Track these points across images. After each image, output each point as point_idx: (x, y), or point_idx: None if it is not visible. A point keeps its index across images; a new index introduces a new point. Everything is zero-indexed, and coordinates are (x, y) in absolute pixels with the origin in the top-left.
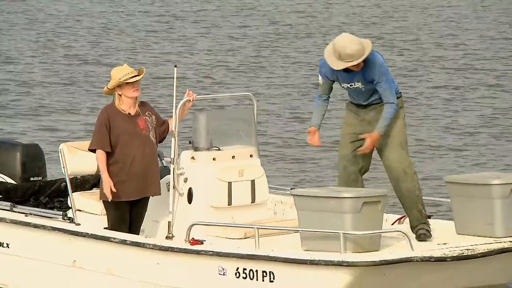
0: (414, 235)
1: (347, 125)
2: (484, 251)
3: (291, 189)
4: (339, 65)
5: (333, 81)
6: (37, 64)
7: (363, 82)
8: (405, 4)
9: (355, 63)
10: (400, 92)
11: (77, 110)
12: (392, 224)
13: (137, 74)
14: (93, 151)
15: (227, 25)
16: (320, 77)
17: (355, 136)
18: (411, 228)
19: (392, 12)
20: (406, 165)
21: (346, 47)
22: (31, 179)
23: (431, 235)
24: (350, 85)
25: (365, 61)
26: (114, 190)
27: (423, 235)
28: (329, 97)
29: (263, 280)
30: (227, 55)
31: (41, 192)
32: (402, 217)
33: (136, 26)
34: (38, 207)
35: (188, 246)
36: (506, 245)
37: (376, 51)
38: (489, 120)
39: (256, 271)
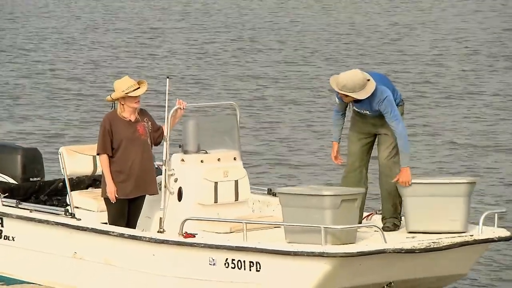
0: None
1: (354, 125)
2: (449, 244)
3: (268, 189)
4: (334, 87)
5: (346, 103)
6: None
7: (370, 110)
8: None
9: (345, 94)
10: (403, 100)
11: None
12: None
13: (138, 86)
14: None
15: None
16: (337, 99)
17: (362, 134)
18: (382, 219)
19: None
20: (392, 163)
21: (344, 78)
22: (31, 179)
23: (394, 229)
24: (360, 110)
25: (371, 95)
26: (117, 195)
27: (386, 228)
28: (345, 112)
29: (250, 270)
30: (204, 68)
31: (40, 191)
32: (370, 214)
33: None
34: (38, 204)
35: (181, 239)
36: (467, 239)
37: (383, 86)
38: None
39: (244, 261)
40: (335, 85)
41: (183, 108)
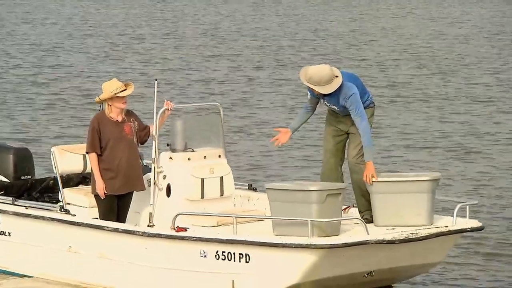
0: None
1: (328, 124)
2: (426, 234)
3: (248, 184)
4: (302, 78)
5: (318, 98)
6: None
7: (338, 106)
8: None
9: (311, 86)
10: (373, 102)
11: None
12: None
13: (125, 88)
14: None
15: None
16: (308, 94)
17: (335, 131)
18: (359, 212)
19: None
20: (359, 161)
21: (312, 71)
22: (22, 177)
23: (372, 221)
24: (329, 105)
25: (338, 90)
26: (106, 191)
27: (365, 219)
28: (314, 109)
29: (239, 261)
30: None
31: (32, 188)
32: (347, 207)
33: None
34: (31, 201)
35: (173, 232)
36: (442, 230)
37: (351, 84)
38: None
39: (234, 253)
40: (303, 76)
41: (171, 109)
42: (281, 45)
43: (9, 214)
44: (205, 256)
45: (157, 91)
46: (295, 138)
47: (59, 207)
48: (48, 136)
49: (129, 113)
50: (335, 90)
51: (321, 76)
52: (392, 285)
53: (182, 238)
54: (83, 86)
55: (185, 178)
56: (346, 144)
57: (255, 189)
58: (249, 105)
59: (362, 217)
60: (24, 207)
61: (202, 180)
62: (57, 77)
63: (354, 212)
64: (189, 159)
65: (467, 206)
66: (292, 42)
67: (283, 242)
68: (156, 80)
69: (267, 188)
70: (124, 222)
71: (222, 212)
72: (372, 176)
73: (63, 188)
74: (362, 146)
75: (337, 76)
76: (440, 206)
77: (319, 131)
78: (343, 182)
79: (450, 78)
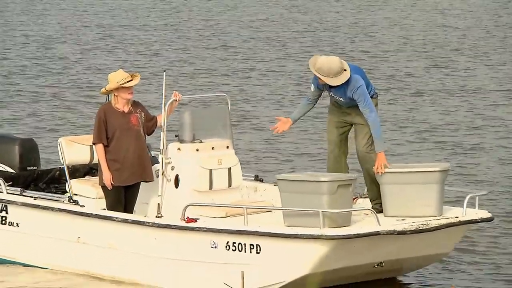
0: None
1: (331, 115)
2: (436, 225)
3: (255, 175)
4: (311, 67)
5: (322, 90)
6: None
7: (344, 98)
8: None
9: (319, 76)
10: (377, 93)
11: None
12: None
13: (131, 79)
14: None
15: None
16: (312, 86)
17: (339, 123)
18: (370, 201)
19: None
20: (369, 150)
21: (322, 61)
22: (28, 168)
23: (382, 211)
24: (335, 96)
25: (345, 83)
26: (113, 182)
27: (376, 209)
28: (316, 101)
29: (250, 252)
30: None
31: (38, 179)
32: (355, 198)
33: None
34: (37, 192)
35: (183, 223)
36: (453, 220)
37: (358, 76)
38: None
39: (244, 244)
40: (312, 65)
41: (179, 100)
42: (285, 36)
43: (18, 204)
44: (215, 247)
45: (164, 82)
46: (297, 130)
47: (67, 198)
48: (47, 127)
49: (135, 104)
50: (343, 82)
51: (331, 68)
52: (397, 277)
53: (193, 229)
54: (86, 78)
55: (194, 169)
56: (351, 136)
57: (261, 180)
58: (249, 97)
59: (373, 206)
60: (33, 198)
61: (210, 171)
62: (58, 68)
63: (362, 202)
64: (197, 150)
65: (476, 197)
66: (294, 33)
67: (295, 233)
68: (164, 71)
69: (278, 179)
70: (132, 213)
71: (230, 203)
72: (385, 166)
73: (70, 179)
74: (369, 136)
75: (345, 70)
76: (447, 197)
77: (318, 124)
78: (348, 172)
79: (452, 71)
